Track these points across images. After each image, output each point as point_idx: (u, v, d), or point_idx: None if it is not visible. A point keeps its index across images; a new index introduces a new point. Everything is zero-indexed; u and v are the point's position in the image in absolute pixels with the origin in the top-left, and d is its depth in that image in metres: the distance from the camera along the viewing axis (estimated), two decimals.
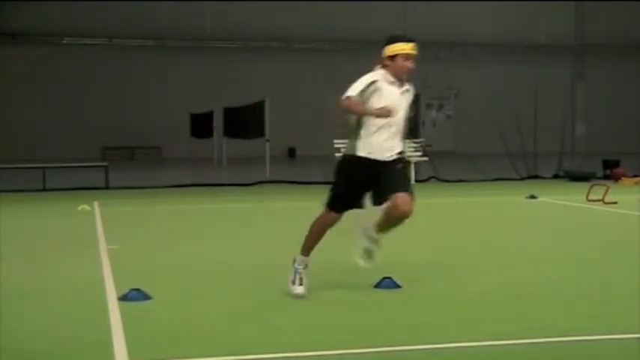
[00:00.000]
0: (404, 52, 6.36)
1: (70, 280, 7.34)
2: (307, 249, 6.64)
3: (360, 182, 6.49)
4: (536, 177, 20.23)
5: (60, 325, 5.72)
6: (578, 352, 5.06)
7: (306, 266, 6.57)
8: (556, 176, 20.30)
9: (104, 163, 19.04)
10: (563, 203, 14.41)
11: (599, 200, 13.70)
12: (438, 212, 13.63)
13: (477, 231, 11.01)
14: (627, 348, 5.10)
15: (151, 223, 12.03)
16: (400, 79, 6.46)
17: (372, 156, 6.47)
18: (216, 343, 5.22)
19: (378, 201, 6.47)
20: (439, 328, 5.54)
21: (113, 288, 6.83)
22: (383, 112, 6.28)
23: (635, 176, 18.64)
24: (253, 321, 5.78)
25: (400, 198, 6.24)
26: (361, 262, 6.66)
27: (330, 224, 6.64)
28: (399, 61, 6.37)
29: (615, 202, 13.48)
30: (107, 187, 17.71)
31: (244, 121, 23.59)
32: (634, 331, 5.36)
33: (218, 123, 26.46)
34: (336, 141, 19.77)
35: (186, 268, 8.04)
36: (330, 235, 10.74)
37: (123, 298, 6.34)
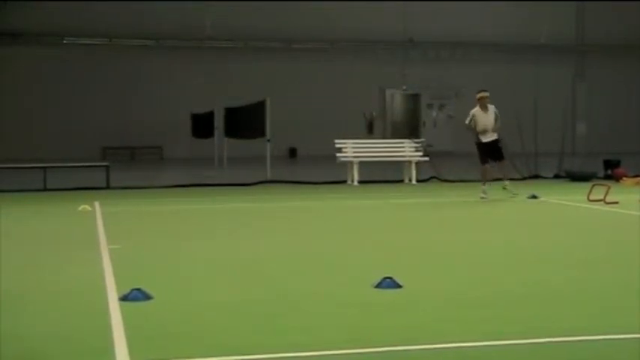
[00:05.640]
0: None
1: (71, 280, 7.35)
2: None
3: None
4: (537, 177, 20.21)
5: (61, 325, 5.73)
6: (578, 352, 5.07)
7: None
8: (557, 176, 20.28)
9: (105, 163, 19.02)
10: (565, 203, 14.41)
11: (600, 200, 13.70)
12: (438, 212, 13.63)
13: (478, 231, 11.01)
14: (627, 348, 5.11)
15: (151, 223, 12.04)
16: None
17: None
18: (217, 343, 5.22)
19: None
20: (439, 328, 5.54)
21: (114, 288, 6.84)
22: None
23: (636, 176, 18.61)
24: (253, 321, 5.78)
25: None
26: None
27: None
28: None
29: (616, 202, 13.47)
30: (108, 187, 17.71)
31: (245, 121, 23.58)
32: (634, 331, 5.37)
33: (219, 123, 26.46)
34: (336, 141, 19.82)
35: (187, 268, 8.05)
36: (330, 235, 10.76)
37: (124, 298, 6.35)
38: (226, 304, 6.33)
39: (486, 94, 15.43)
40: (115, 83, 31.50)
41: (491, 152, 15.31)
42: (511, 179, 16.29)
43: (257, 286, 7.03)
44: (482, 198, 15.04)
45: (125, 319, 5.74)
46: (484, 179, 15.49)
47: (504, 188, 15.39)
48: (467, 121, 15.46)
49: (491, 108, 15.31)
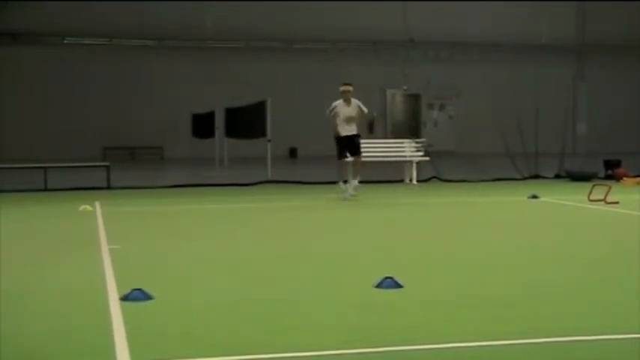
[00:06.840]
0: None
1: (72, 281, 7.35)
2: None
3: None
4: (537, 177, 20.22)
5: (61, 325, 5.73)
6: (578, 352, 5.07)
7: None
8: (557, 176, 20.28)
9: (106, 163, 19.03)
10: (565, 203, 14.41)
11: (600, 200, 13.70)
12: (439, 212, 13.63)
13: (479, 231, 11.01)
14: (627, 348, 5.11)
15: (152, 223, 12.04)
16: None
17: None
18: (217, 343, 5.22)
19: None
20: (439, 328, 5.54)
21: (115, 288, 6.83)
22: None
23: (637, 176, 18.62)
24: (254, 321, 5.78)
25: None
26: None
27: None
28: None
29: (617, 202, 13.47)
30: (109, 187, 17.71)
31: (246, 122, 23.60)
32: (634, 331, 5.37)
33: (219, 123, 26.48)
34: None
35: (187, 268, 8.05)
36: (330, 235, 10.76)
37: (124, 298, 6.35)
38: (226, 304, 6.33)
39: (348, 87, 15.28)
40: (116, 83, 31.51)
41: (348, 146, 15.27)
42: (363, 181, 15.89)
43: (257, 286, 7.03)
44: (346, 199, 14.90)
45: (126, 319, 5.74)
46: (342, 177, 15.55)
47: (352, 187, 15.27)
48: (327, 112, 15.35)
49: (355, 102, 15.22)
